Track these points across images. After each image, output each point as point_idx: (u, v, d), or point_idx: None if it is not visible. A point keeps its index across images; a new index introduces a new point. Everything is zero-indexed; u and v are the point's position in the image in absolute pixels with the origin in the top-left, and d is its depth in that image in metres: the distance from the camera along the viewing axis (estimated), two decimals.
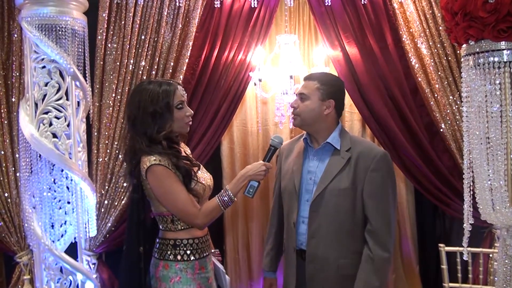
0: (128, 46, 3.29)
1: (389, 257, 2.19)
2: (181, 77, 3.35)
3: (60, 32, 2.67)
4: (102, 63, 3.30)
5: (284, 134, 3.88)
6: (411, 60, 3.50)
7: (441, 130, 3.49)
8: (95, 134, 3.29)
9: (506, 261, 1.99)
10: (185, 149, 2.41)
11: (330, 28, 3.54)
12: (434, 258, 3.81)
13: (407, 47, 3.50)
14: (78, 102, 2.85)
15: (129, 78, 3.30)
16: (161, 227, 2.28)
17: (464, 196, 2.03)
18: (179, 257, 2.20)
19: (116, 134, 3.29)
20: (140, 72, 3.31)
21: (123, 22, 3.30)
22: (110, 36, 3.30)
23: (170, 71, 3.35)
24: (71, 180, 2.75)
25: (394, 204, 2.25)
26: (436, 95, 3.49)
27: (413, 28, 3.48)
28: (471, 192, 2.01)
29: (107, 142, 3.28)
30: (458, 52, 3.41)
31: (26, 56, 2.77)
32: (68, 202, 2.77)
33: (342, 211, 2.22)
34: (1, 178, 3.16)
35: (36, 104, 2.70)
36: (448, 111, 3.47)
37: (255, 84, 3.54)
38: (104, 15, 3.27)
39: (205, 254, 2.27)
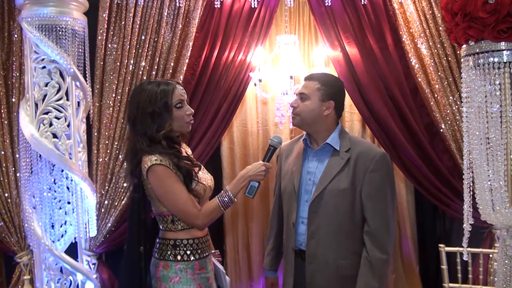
0: (128, 47, 3.29)
1: (387, 258, 2.19)
2: (181, 77, 3.35)
3: (60, 33, 2.67)
4: (102, 63, 3.30)
5: (284, 135, 3.89)
6: (411, 60, 3.50)
7: (441, 130, 3.49)
8: (95, 134, 3.29)
9: (506, 261, 1.99)
10: (186, 150, 2.42)
11: (330, 28, 3.54)
12: (434, 258, 3.81)
13: (407, 47, 3.50)
14: (78, 103, 2.85)
15: (129, 78, 3.30)
16: (161, 227, 2.28)
17: (464, 197, 2.03)
18: (179, 257, 2.20)
19: (116, 134, 3.29)
20: (140, 72, 3.31)
21: (123, 23, 3.30)
22: (110, 37, 3.31)
23: (170, 71, 3.35)
24: (71, 180, 2.75)
25: (393, 205, 2.24)
26: (436, 96, 3.49)
27: (413, 29, 3.49)
28: (471, 193, 2.01)
29: (107, 142, 3.28)
30: (458, 52, 3.41)
31: (26, 56, 2.77)
32: (68, 202, 2.77)
33: (341, 211, 2.22)
34: (1, 178, 3.17)
35: (36, 105, 2.71)
36: (448, 111, 3.47)
37: (255, 85, 3.55)
38: (104, 15, 3.27)
39: (205, 255, 2.27)
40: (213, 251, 2.45)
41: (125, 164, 3.26)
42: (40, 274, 2.76)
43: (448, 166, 3.52)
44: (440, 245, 3.15)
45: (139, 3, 3.29)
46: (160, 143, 2.15)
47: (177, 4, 3.33)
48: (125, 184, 3.28)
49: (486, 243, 3.41)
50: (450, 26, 1.99)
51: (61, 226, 2.78)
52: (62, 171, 2.73)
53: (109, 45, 3.30)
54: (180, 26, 3.38)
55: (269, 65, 3.71)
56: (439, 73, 3.47)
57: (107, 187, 3.28)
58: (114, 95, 3.28)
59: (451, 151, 3.50)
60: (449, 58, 3.46)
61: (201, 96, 3.45)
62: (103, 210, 3.27)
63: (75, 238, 2.80)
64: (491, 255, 3.25)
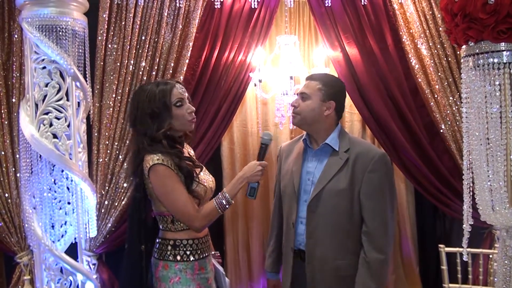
0: (128, 47, 3.29)
1: (385, 259, 2.18)
2: (181, 77, 3.35)
3: (60, 33, 2.67)
4: (102, 63, 3.30)
5: (284, 135, 3.89)
6: (411, 60, 3.51)
7: (441, 130, 3.50)
8: (95, 134, 3.29)
9: (506, 261, 1.99)
10: (188, 150, 2.42)
11: (330, 28, 3.55)
12: (434, 258, 3.81)
13: (407, 47, 3.50)
14: (79, 103, 2.86)
15: (129, 78, 3.30)
16: (161, 227, 2.29)
17: (463, 197, 2.03)
18: (178, 258, 2.20)
19: (116, 134, 3.29)
20: (140, 72, 3.32)
21: (123, 23, 3.30)
22: (110, 37, 3.31)
23: (171, 71, 3.35)
24: (72, 180, 2.75)
25: (392, 205, 2.24)
26: (436, 96, 3.49)
27: (413, 29, 3.49)
28: (471, 193, 2.01)
29: (107, 142, 3.28)
30: (458, 53, 3.42)
31: (26, 56, 2.77)
32: (69, 203, 2.77)
33: (339, 211, 2.22)
34: (2, 179, 3.17)
35: (36, 105, 2.71)
36: (448, 111, 3.47)
37: (255, 85, 3.55)
38: (104, 15, 3.27)
39: (205, 255, 2.28)
40: (213, 252, 2.45)
41: (125, 164, 3.27)
42: (40, 274, 2.76)
43: (448, 167, 3.52)
44: (440, 245, 3.15)
45: (139, 4, 3.29)
46: (160, 143, 2.16)
47: (177, 4, 3.33)
48: (125, 185, 3.28)
49: (486, 243, 3.42)
50: (450, 26, 1.99)
51: (61, 226, 2.78)
52: (62, 171, 2.73)
53: (109, 46, 3.31)
54: (180, 27, 3.38)
55: (269, 66, 3.72)
56: (439, 74, 3.47)
57: (107, 188, 3.28)
58: (114, 95, 3.28)
59: (451, 152, 3.50)
60: (449, 59, 3.47)
61: (201, 97, 3.45)
62: (103, 211, 3.27)
63: (75, 238, 2.80)
64: (491, 256, 3.25)
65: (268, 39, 3.68)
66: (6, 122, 3.18)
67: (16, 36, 3.19)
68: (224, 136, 3.77)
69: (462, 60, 2.02)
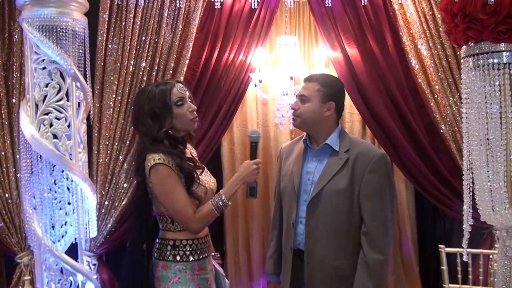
0: (128, 47, 3.29)
1: (384, 259, 2.18)
2: (182, 78, 3.35)
3: (60, 33, 2.67)
4: (102, 64, 3.30)
5: (284, 135, 3.89)
6: (411, 61, 3.51)
7: (441, 131, 3.50)
8: (96, 135, 3.29)
9: (506, 262, 1.99)
10: (191, 151, 2.43)
11: (330, 29, 3.55)
12: (434, 259, 3.81)
13: (407, 48, 3.50)
14: (79, 103, 2.85)
15: (129, 79, 3.30)
16: (161, 226, 2.29)
17: (463, 197, 2.03)
18: (178, 258, 2.21)
19: (116, 135, 3.29)
20: (141, 73, 3.32)
21: (123, 23, 3.30)
22: (110, 37, 3.31)
23: (171, 72, 3.35)
24: (72, 181, 2.75)
25: (392, 205, 2.24)
26: (436, 96, 3.50)
27: (413, 29, 3.49)
28: (471, 193, 2.01)
29: (107, 143, 3.28)
30: (458, 53, 3.42)
31: (26, 57, 2.77)
32: (69, 203, 2.77)
33: (339, 211, 2.22)
34: (2, 179, 3.17)
35: (36, 105, 2.71)
36: (448, 112, 3.47)
37: (255, 85, 3.55)
38: (104, 16, 3.27)
39: (204, 255, 2.28)
40: (213, 253, 2.46)
41: (125, 165, 3.28)
42: (40, 275, 2.76)
43: (448, 167, 3.53)
44: (440, 245, 3.15)
45: (140, 4, 3.29)
46: (162, 142, 2.17)
47: (178, 5, 3.33)
48: (125, 185, 3.28)
49: (486, 244, 3.41)
50: (449, 27, 1.99)
51: (61, 226, 2.78)
52: (63, 171, 2.73)
53: (110, 46, 3.31)
54: (181, 27, 3.38)
55: (269, 66, 3.72)
56: (439, 74, 3.47)
57: (107, 188, 3.28)
58: (114, 95, 3.28)
59: (451, 152, 3.50)
60: (449, 59, 3.47)
61: (201, 97, 3.45)
62: (103, 211, 3.27)
63: (75, 238, 2.80)
64: (491, 256, 3.25)
65: (268, 40, 3.68)
66: (6, 123, 3.18)
67: (16, 36, 3.19)
68: (224, 137, 3.77)
69: (462, 61, 2.02)
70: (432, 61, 3.47)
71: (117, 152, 3.30)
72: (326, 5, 3.43)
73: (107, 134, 3.28)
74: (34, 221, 2.69)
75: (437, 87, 3.48)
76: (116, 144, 3.29)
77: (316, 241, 2.24)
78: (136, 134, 3.28)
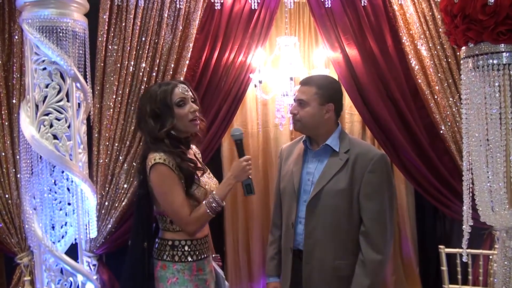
0: (128, 48, 3.29)
1: (382, 259, 2.18)
2: (182, 78, 3.35)
3: (61, 34, 2.68)
4: (102, 64, 3.30)
5: (285, 136, 3.89)
6: (411, 61, 3.51)
7: (441, 131, 3.50)
8: (96, 135, 3.29)
9: (506, 262, 1.99)
10: (195, 152, 2.43)
11: (330, 30, 3.55)
12: (434, 259, 3.81)
13: (407, 48, 3.51)
14: (79, 104, 2.86)
15: (129, 79, 3.30)
16: (161, 226, 2.29)
17: (463, 198, 2.03)
18: (176, 258, 2.21)
19: (116, 135, 3.29)
20: (141, 73, 3.32)
21: (123, 24, 3.31)
22: (110, 38, 3.31)
23: (171, 72, 3.35)
24: (72, 181, 2.75)
25: (391, 206, 2.24)
26: (436, 97, 3.50)
27: (413, 30, 3.50)
28: (471, 194, 2.01)
29: (107, 143, 3.28)
30: (458, 54, 3.42)
31: (27, 57, 2.77)
32: (69, 204, 2.77)
33: (339, 212, 2.22)
34: (2, 180, 3.17)
35: (36, 106, 2.71)
36: (448, 112, 3.48)
37: (255, 86, 3.55)
38: (104, 17, 3.28)
39: (203, 256, 2.28)
40: (214, 255, 2.46)
41: (125, 165, 3.28)
42: (40, 275, 2.76)
43: (448, 168, 3.53)
44: (440, 246, 3.15)
45: (140, 5, 3.30)
46: (163, 141, 2.18)
47: (178, 5, 3.34)
48: (125, 186, 3.28)
49: (486, 244, 3.42)
50: (449, 28, 1.99)
51: (61, 227, 2.78)
52: (63, 172, 2.74)
53: (110, 47, 3.31)
54: (181, 28, 3.38)
55: (269, 67, 3.72)
56: (439, 75, 3.47)
57: (107, 188, 3.29)
58: (114, 96, 3.28)
59: (451, 153, 3.51)
60: (449, 60, 3.47)
61: (201, 98, 3.45)
62: (103, 211, 3.28)
63: (75, 239, 2.80)
64: (491, 257, 3.25)
65: (268, 40, 3.68)
66: (6, 123, 3.18)
67: (16, 37, 3.19)
68: (225, 137, 3.77)
69: (461, 61, 2.02)
70: (432, 62, 3.48)
71: (117, 153, 3.30)
72: (326, 6, 3.44)
73: (107, 134, 3.28)
74: (34, 221, 2.69)
75: (437, 87, 3.48)
76: (116, 144, 3.29)
77: (316, 241, 2.25)
78: (136, 134, 3.29)
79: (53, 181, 2.74)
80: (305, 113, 2.27)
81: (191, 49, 3.38)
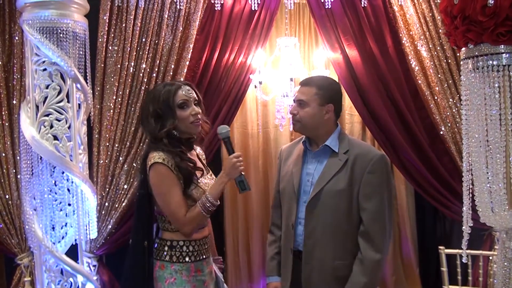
0: (129, 49, 3.30)
1: (381, 258, 2.19)
2: (182, 79, 3.35)
3: (61, 35, 2.68)
4: (103, 65, 3.30)
5: (285, 136, 3.90)
6: (411, 62, 3.51)
7: (441, 132, 3.50)
8: (96, 136, 3.29)
9: (505, 263, 1.99)
10: (198, 153, 2.43)
11: (330, 30, 3.55)
12: (434, 260, 3.81)
13: (407, 49, 3.51)
14: (79, 105, 2.86)
15: (129, 80, 3.30)
16: (160, 226, 2.30)
17: (463, 199, 2.03)
18: (174, 258, 2.21)
19: (116, 136, 3.29)
20: (141, 74, 3.32)
21: (124, 25, 3.31)
22: (111, 39, 3.31)
23: (171, 73, 3.35)
24: (72, 182, 2.76)
25: (390, 206, 2.25)
26: (436, 98, 3.50)
27: (413, 31, 3.50)
28: (470, 195, 2.02)
29: (108, 144, 3.29)
30: (458, 54, 3.42)
31: (27, 58, 2.78)
32: (69, 204, 2.78)
33: (338, 212, 2.23)
34: (2, 180, 3.17)
35: (37, 107, 2.72)
36: (448, 113, 3.48)
37: (255, 87, 3.55)
38: (105, 17, 3.28)
39: (202, 257, 2.27)
40: (215, 257, 2.46)
41: (125, 166, 3.29)
42: (40, 276, 2.77)
43: (448, 168, 3.53)
44: (440, 247, 3.15)
45: (140, 6, 3.30)
46: (162, 141, 2.18)
47: (178, 6, 3.34)
48: (125, 186, 3.28)
49: (486, 245, 3.41)
50: (449, 29, 1.99)
51: (61, 228, 2.79)
52: (63, 173, 2.74)
53: (110, 47, 3.31)
54: (181, 29, 3.38)
55: (270, 68, 3.72)
56: (439, 75, 3.48)
57: (107, 189, 3.29)
58: (114, 97, 3.29)
59: (451, 153, 3.51)
60: (449, 60, 3.47)
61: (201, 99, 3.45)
62: (103, 212, 3.28)
63: (75, 240, 2.81)
64: (491, 257, 3.25)
65: (268, 41, 3.68)
66: (7, 124, 3.18)
67: (16, 38, 3.20)
68: None
69: (461, 62, 2.02)
70: (432, 63, 3.48)
71: (118, 154, 3.30)
72: (326, 7, 3.44)
73: (107, 135, 3.28)
74: (34, 222, 2.69)
75: (437, 88, 3.48)
76: (117, 145, 3.29)
77: (315, 241, 2.25)
78: (136, 135, 3.29)
79: (53, 181, 2.74)
80: (305, 113, 2.27)
81: (191, 50, 3.38)
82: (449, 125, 3.49)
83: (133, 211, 2.50)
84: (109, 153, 3.29)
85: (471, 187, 2.01)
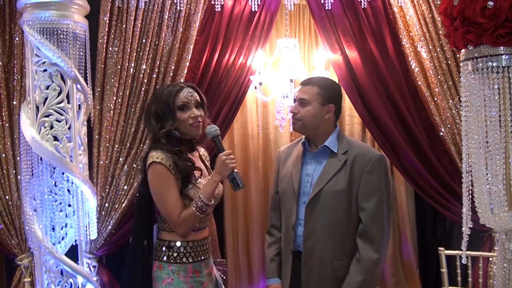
0: (129, 50, 3.30)
1: (379, 258, 2.19)
2: (182, 80, 3.36)
3: (61, 36, 2.69)
4: (103, 66, 3.31)
5: (285, 137, 3.90)
6: (411, 64, 3.52)
7: (441, 133, 3.50)
8: (96, 137, 3.29)
9: (505, 264, 1.99)
10: (202, 155, 2.43)
11: (330, 32, 3.55)
12: (434, 261, 3.81)
13: (407, 51, 3.51)
14: (79, 105, 2.87)
15: (130, 81, 3.31)
16: (159, 226, 2.30)
17: (463, 200, 2.03)
18: (172, 259, 2.21)
19: (117, 137, 3.29)
20: (141, 75, 3.32)
21: (124, 26, 3.31)
22: (111, 40, 3.31)
23: (171, 74, 3.35)
24: (72, 183, 2.76)
25: (389, 206, 2.26)
26: (436, 99, 3.50)
27: (413, 32, 3.50)
28: (470, 196, 2.02)
29: (108, 145, 3.29)
30: (458, 56, 3.42)
31: (27, 59, 2.78)
32: (69, 205, 2.78)
33: (337, 212, 2.23)
34: (2, 181, 3.17)
35: (37, 107, 2.72)
36: (448, 114, 3.48)
37: (255, 88, 3.56)
38: (105, 18, 3.28)
39: (200, 258, 2.27)
40: (218, 260, 2.46)
41: (125, 167, 3.29)
42: (40, 277, 2.77)
43: (448, 170, 3.53)
44: (440, 248, 3.15)
45: (140, 7, 3.30)
46: (160, 141, 2.20)
47: (178, 7, 3.34)
48: (125, 187, 3.28)
49: (486, 246, 3.41)
50: (449, 30, 2.00)
51: (61, 228, 2.79)
52: (63, 173, 2.74)
53: (110, 48, 3.31)
54: (181, 30, 3.38)
55: (270, 69, 3.73)
56: (439, 77, 3.48)
57: (107, 190, 3.29)
58: (115, 98, 3.29)
59: (451, 155, 3.51)
60: (449, 62, 3.47)
61: None
62: (103, 213, 3.28)
63: (75, 240, 2.81)
64: (490, 259, 3.25)
65: (268, 42, 3.68)
66: (7, 125, 3.18)
67: (17, 38, 3.20)
68: (225, 139, 3.78)
69: (461, 64, 2.03)
70: (431, 64, 3.48)
71: (118, 154, 3.30)
72: (326, 8, 3.44)
73: (107, 136, 3.28)
74: (34, 223, 2.70)
75: (436, 89, 3.48)
76: (117, 146, 3.30)
77: (315, 242, 2.25)
78: (136, 136, 3.29)
79: (53, 182, 2.75)
80: (306, 112, 2.28)
81: (191, 51, 3.38)
82: (449, 126, 3.49)
83: (133, 212, 2.51)
84: (109, 154, 3.29)
85: (470, 188, 2.01)
